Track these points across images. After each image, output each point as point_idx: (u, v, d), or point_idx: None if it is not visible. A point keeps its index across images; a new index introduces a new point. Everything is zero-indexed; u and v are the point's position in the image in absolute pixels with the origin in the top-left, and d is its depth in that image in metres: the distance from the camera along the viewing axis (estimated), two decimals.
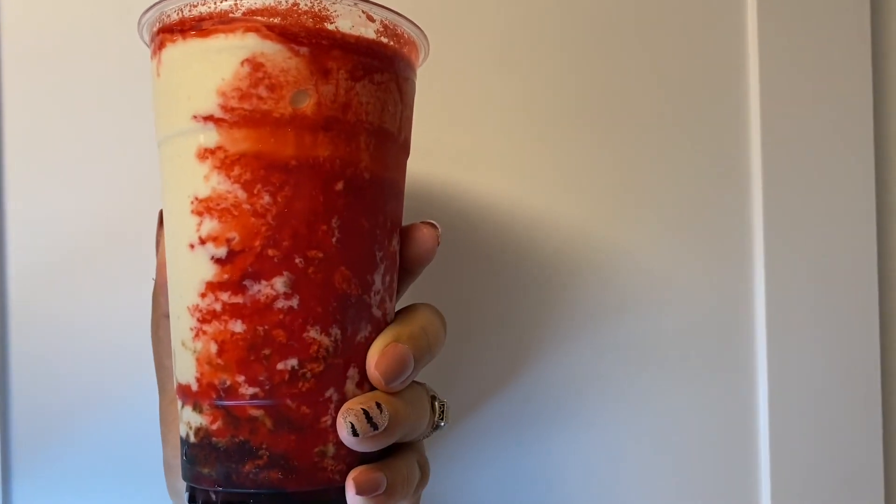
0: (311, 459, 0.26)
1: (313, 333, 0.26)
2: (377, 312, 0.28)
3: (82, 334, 0.38)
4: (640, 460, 0.43)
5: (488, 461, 0.41)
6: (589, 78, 0.43)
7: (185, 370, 0.27)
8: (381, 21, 0.27)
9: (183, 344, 0.27)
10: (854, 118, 0.46)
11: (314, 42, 0.26)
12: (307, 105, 0.26)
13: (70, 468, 0.38)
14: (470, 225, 0.41)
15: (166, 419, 0.31)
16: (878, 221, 0.47)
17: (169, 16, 0.27)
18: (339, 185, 0.27)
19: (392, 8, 0.28)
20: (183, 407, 0.27)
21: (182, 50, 0.26)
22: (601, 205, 0.43)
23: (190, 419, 0.27)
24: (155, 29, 0.28)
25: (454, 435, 0.40)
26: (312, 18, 0.26)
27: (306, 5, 0.26)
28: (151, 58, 0.28)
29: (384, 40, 0.28)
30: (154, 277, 0.32)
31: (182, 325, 0.27)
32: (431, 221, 0.30)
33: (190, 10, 0.26)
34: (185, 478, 0.27)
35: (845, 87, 0.46)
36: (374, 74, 0.27)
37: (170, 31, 0.27)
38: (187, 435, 0.27)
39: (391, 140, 0.28)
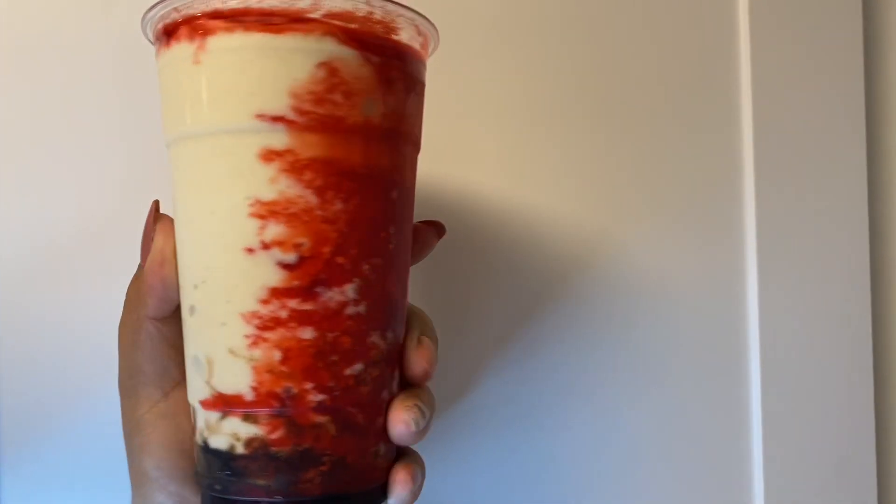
0: (367, 460, 0.27)
1: (374, 338, 0.27)
2: (406, 314, 0.29)
3: (67, 331, 0.37)
4: (633, 458, 0.43)
5: (477, 460, 0.41)
6: (582, 75, 0.43)
7: (234, 379, 0.26)
8: (424, 35, 0.28)
9: (232, 352, 0.26)
10: (846, 113, 0.46)
11: (383, 51, 0.26)
12: (376, 114, 0.26)
13: (58, 464, 0.37)
14: (461, 221, 0.41)
15: (143, 429, 0.29)
16: (871, 217, 0.46)
17: (225, 2, 0.25)
18: (395, 194, 0.27)
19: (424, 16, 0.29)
20: (224, 418, 0.26)
21: (242, 42, 0.25)
22: (591, 202, 0.43)
23: (237, 430, 0.26)
24: (196, 11, 0.25)
25: (444, 434, 0.40)
26: (383, 28, 0.26)
27: (378, 15, 0.26)
28: (180, 40, 0.26)
29: (423, 53, 0.29)
30: (139, 276, 0.28)
31: (230, 332, 0.26)
32: (433, 221, 0.32)
33: (259, 1, 0.25)
34: (224, 493, 0.26)
35: (837, 82, 0.46)
36: (417, 86, 0.28)
37: (226, 18, 0.25)
38: (231, 447, 0.26)
39: (418, 149, 0.30)
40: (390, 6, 0.26)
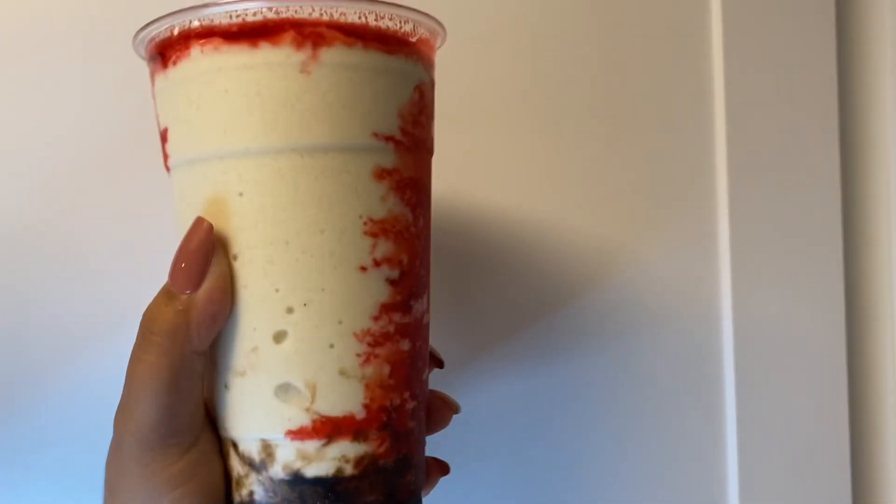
0: (424, 457, 0.29)
1: (431, 343, 0.29)
2: None
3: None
4: (614, 461, 0.43)
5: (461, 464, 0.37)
6: (555, 80, 0.42)
7: (343, 401, 0.25)
8: None
9: (342, 373, 0.25)
10: (819, 114, 0.46)
11: (434, 77, 0.28)
12: (433, 136, 0.28)
13: None
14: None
15: (179, 484, 0.25)
16: (844, 218, 0.46)
17: (344, 14, 0.24)
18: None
19: None
20: (329, 443, 0.25)
21: (361, 58, 0.24)
22: (562, 204, 0.42)
23: (345, 452, 0.25)
24: (308, 16, 0.24)
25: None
26: (433, 56, 0.28)
27: (436, 43, 0.28)
28: (280, 45, 0.23)
29: None
30: (180, 308, 0.24)
31: (341, 352, 0.25)
32: None
33: (377, 20, 0.25)
34: None
35: (810, 82, 0.46)
36: None
37: (345, 31, 0.24)
38: (339, 470, 0.25)
39: None
40: (442, 34, 0.28)
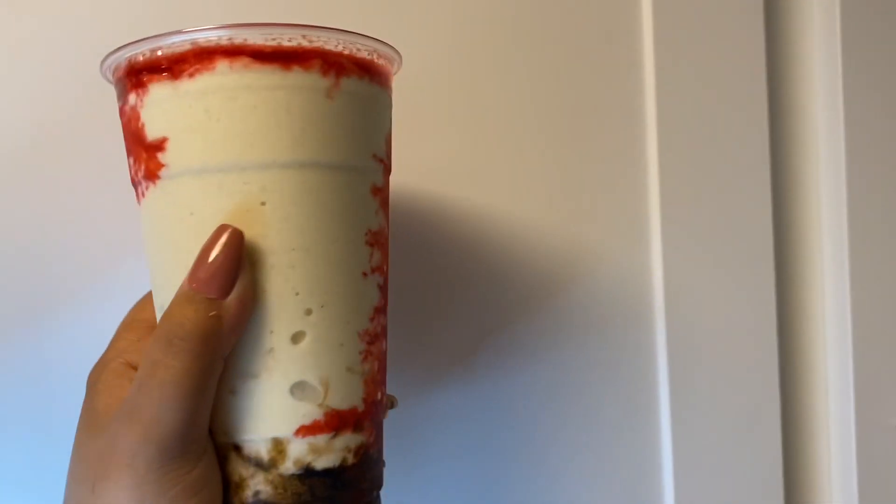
0: None
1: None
2: None
3: None
4: (539, 471, 0.44)
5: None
6: (488, 79, 0.43)
7: (349, 395, 0.27)
8: None
9: (349, 370, 0.27)
10: (749, 110, 0.47)
11: None
12: None
13: None
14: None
15: (199, 490, 0.25)
16: (774, 212, 0.47)
17: (359, 49, 0.27)
18: None
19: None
20: (336, 436, 0.27)
21: (368, 89, 0.28)
22: (494, 204, 0.43)
23: (349, 443, 0.27)
24: (332, 48, 0.26)
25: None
26: None
27: (396, 71, 0.32)
28: (310, 70, 0.26)
29: None
30: (212, 313, 0.24)
31: (348, 351, 0.27)
32: None
33: (377, 58, 0.28)
34: None
35: (740, 81, 0.47)
36: None
37: (358, 64, 0.27)
38: (343, 460, 0.27)
39: None
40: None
